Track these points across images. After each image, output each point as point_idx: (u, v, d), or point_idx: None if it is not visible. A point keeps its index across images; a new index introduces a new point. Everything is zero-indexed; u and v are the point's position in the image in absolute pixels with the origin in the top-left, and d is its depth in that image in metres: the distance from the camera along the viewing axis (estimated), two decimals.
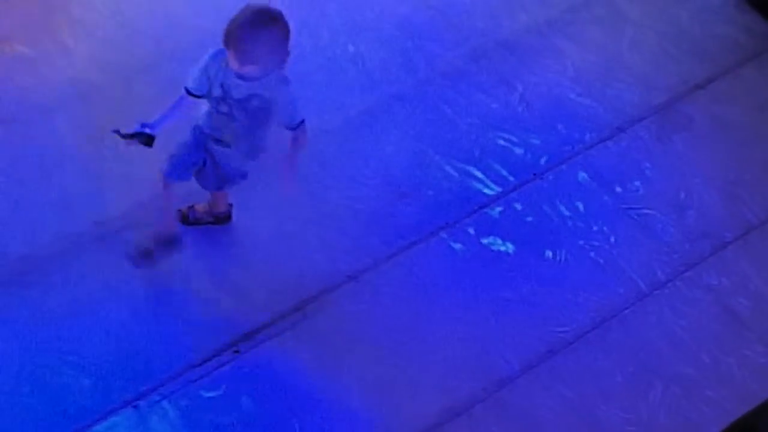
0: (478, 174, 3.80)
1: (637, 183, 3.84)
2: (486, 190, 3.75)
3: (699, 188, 3.85)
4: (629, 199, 3.80)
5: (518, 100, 4.05)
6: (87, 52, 3.95)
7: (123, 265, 3.36)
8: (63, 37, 3.98)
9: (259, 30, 2.67)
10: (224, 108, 2.92)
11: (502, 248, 3.60)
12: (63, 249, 3.39)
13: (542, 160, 3.86)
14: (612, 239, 3.67)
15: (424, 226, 3.62)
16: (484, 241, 3.61)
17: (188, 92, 2.92)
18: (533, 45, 4.26)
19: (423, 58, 4.14)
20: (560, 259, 3.59)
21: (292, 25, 4.06)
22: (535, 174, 3.82)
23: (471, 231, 3.63)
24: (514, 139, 3.92)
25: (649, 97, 4.11)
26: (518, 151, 3.89)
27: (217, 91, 2.88)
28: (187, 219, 3.44)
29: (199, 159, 3.11)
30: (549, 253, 3.60)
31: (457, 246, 3.59)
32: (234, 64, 2.75)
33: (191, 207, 3.43)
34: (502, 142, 3.91)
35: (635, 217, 3.75)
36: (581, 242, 3.64)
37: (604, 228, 3.69)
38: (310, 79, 3.97)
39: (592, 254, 3.62)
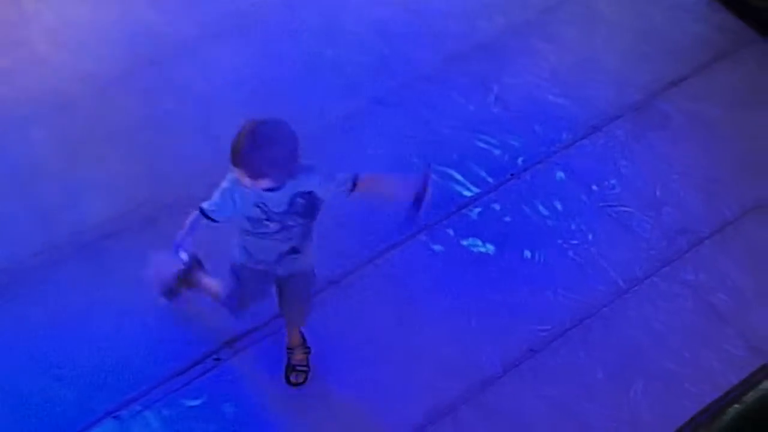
0: (458, 176, 3.81)
1: (614, 181, 3.87)
2: (465, 192, 3.77)
3: (675, 185, 3.88)
4: (606, 197, 3.82)
5: (495, 101, 4.07)
6: (62, 62, 3.94)
7: (102, 275, 3.36)
8: (38, 47, 3.97)
9: (262, 148, 2.52)
10: (273, 227, 2.74)
11: (482, 249, 3.62)
12: (44, 261, 3.39)
13: (519, 161, 3.88)
14: (590, 237, 3.69)
15: (403, 228, 3.63)
16: (464, 242, 3.63)
17: (204, 214, 2.71)
18: (510, 46, 4.29)
19: (401, 62, 4.16)
20: (539, 259, 3.61)
21: (270, 30, 4.10)
22: (512, 174, 3.84)
23: (450, 232, 3.65)
24: (492, 140, 3.94)
25: (624, 96, 4.14)
26: (496, 152, 3.90)
27: (254, 213, 2.71)
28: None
29: (257, 292, 3.04)
30: (528, 253, 3.62)
31: (438, 248, 3.60)
32: (246, 182, 2.60)
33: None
34: (480, 143, 3.93)
35: (613, 215, 3.77)
36: (560, 241, 3.67)
37: (582, 226, 3.72)
38: (288, 85, 3.99)
39: (570, 253, 3.64)
